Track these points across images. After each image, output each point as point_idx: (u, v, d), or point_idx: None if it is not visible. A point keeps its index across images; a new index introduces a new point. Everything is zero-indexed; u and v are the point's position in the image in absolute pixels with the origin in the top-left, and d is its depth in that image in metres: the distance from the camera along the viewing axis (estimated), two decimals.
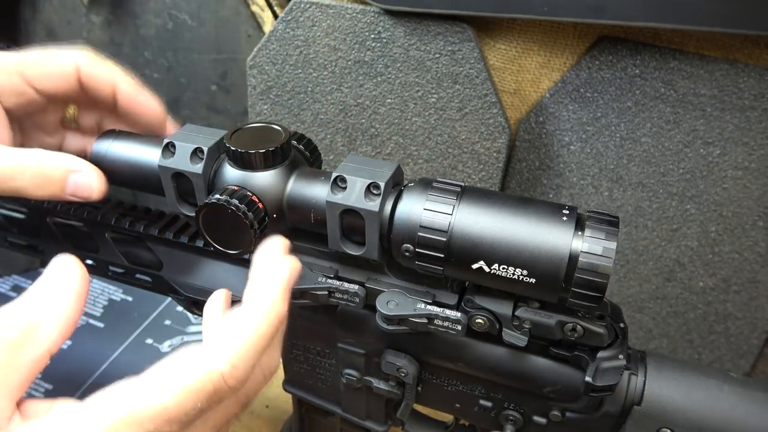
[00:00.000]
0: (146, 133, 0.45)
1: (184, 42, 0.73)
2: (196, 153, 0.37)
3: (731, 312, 0.60)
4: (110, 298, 0.82)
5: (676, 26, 0.46)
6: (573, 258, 0.30)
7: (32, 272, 0.86)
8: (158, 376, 0.28)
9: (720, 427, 0.34)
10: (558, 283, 0.31)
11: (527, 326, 0.34)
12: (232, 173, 0.36)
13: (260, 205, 0.35)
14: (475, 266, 0.32)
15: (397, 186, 0.35)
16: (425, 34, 0.55)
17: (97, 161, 0.41)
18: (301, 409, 0.52)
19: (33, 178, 0.37)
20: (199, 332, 0.77)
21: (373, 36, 0.56)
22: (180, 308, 0.79)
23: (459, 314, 0.34)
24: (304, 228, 0.37)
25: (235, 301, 0.44)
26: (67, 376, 0.69)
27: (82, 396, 0.70)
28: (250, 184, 0.36)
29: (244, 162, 0.36)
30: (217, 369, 0.28)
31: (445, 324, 0.35)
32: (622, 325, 0.36)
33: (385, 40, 0.56)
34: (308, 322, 0.42)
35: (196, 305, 0.46)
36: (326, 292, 0.37)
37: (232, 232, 0.35)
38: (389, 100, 0.59)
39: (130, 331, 0.77)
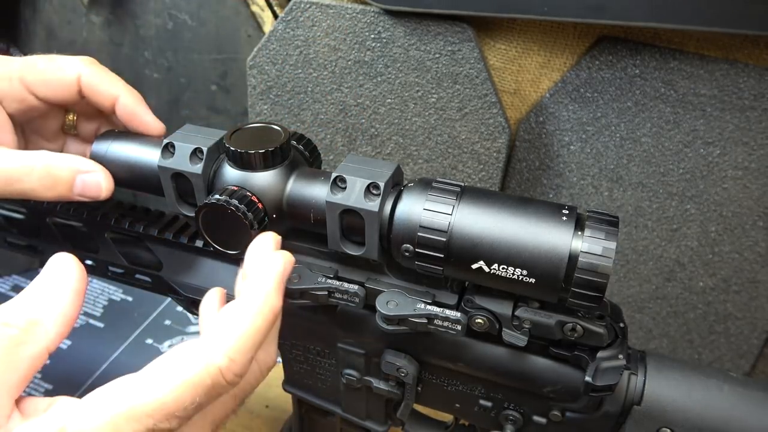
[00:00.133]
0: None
1: (184, 42, 0.73)
2: (196, 153, 0.37)
3: (731, 312, 0.60)
4: (110, 298, 0.82)
5: (676, 26, 0.46)
6: (573, 258, 0.30)
7: (32, 272, 0.86)
8: (156, 371, 0.28)
9: (720, 427, 0.34)
10: (558, 283, 0.31)
11: (527, 326, 0.34)
12: (231, 173, 0.36)
13: (260, 205, 0.35)
14: (474, 266, 0.32)
15: (396, 186, 0.35)
16: (425, 34, 0.55)
17: (97, 161, 0.41)
18: (301, 409, 0.52)
19: (41, 180, 0.37)
20: (198, 332, 0.77)
21: (373, 36, 0.56)
22: (180, 308, 0.80)
23: (459, 314, 0.34)
24: (303, 228, 0.37)
25: (230, 300, 0.44)
26: (67, 376, 0.69)
27: (82, 396, 0.70)
28: (250, 184, 0.36)
29: (243, 162, 0.35)
30: (214, 363, 0.28)
31: (445, 324, 0.35)
32: (622, 325, 0.36)
33: (385, 40, 0.56)
34: (308, 322, 0.42)
35: (195, 305, 0.46)
36: (326, 292, 0.37)
37: (232, 233, 0.35)
38: (389, 100, 0.59)
39: (130, 331, 0.77)
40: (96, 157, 0.41)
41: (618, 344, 0.35)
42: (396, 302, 0.36)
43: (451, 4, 0.51)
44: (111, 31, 0.77)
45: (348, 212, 0.34)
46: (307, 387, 0.48)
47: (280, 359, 0.37)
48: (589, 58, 0.53)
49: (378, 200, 0.33)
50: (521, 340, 0.34)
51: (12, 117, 0.41)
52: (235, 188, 0.35)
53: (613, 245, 0.30)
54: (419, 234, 0.32)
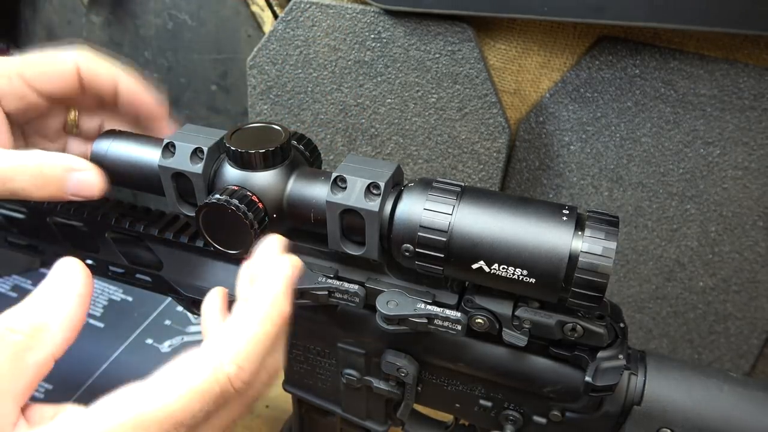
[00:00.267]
0: (147, 131, 0.45)
1: (184, 42, 0.73)
2: (196, 153, 0.37)
3: (731, 312, 0.60)
4: (110, 298, 0.82)
5: (676, 26, 0.46)
6: (573, 258, 0.30)
7: (32, 272, 0.86)
8: (164, 378, 0.28)
9: (720, 427, 0.34)
10: (558, 283, 0.31)
11: (527, 326, 0.34)
12: (232, 173, 0.36)
13: (260, 205, 0.35)
14: (475, 266, 0.32)
15: (397, 186, 0.35)
16: (425, 34, 0.55)
17: (97, 161, 0.41)
18: (301, 409, 0.52)
19: (33, 179, 0.37)
20: (200, 332, 0.77)
21: (373, 36, 0.56)
22: (180, 308, 0.80)
23: (459, 314, 0.34)
24: (304, 228, 0.37)
25: (232, 300, 0.44)
26: (67, 376, 0.69)
27: (82, 396, 0.70)
28: (250, 184, 0.36)
29: (244, 162, 0.36)
30: (223, 370, 0.28)
31: (445, 324, 0.35)
32: (622, 325, 0.36)
33: (385, 40, 0.56)
34: (308, 322, 0.42)
35: (196, 305, 0.46)
36: (326, 292, 0.37)
37: (232, 232, 0.35)
38: (389, 100, 0.59)
39: (130, 331, 0.77)
40: (96, 157, 0.41)
41: (618, 344, 0.35)
42: (396, 302, 0.36)
43: (451, 4, 0.51)
44: (111, 31, 0.77)
45: (348, 212, 0.34)
46: (307, 387, 0.48)
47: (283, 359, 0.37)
48: (589, 58, 0.53)
49: (378, 200, 0.33)
50: (521, 340, 0.34)
51: (11, 116, 0.41)
52: (236, 188, 0.35)
53: (613, 245, 0.30)
54: (419, 234, 0.32)
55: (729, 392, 0.35)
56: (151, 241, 0.46)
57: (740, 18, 0.45)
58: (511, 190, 0.62)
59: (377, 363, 0.42)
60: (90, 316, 0.78)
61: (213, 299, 0.36)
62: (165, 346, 0.75)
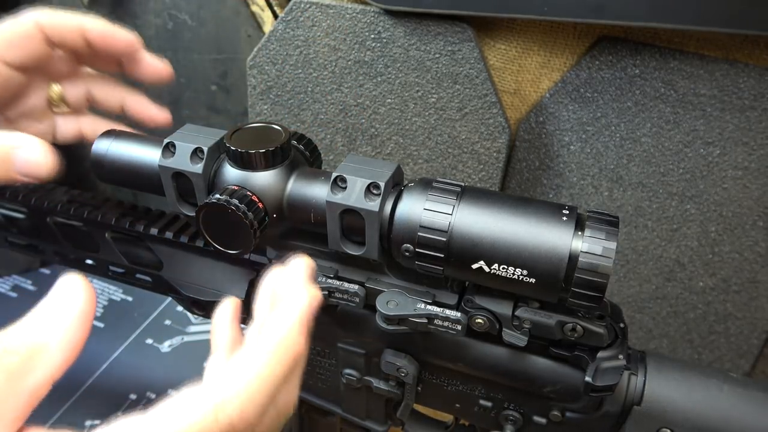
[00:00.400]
0: (132, 69, 0.44)
1: (184, 42, 0.73)
2: (196, 153, 0.37)
3: (731, 312, 0.60)
4: (110, 298, 0.82)
5: (676, 26, 0.46)
6: (573, 258, 0.30)
7: (32, 272, 0.86)
8: (163, 413, 0.26)
9: (720, 427, 0.34)
10: (558, 283, 0.31)
11: (527, 326, 0.34)
12: (232, 173, 0.36)
13: (260, 205, 0.35)
14: (475, 266, 0.32)
15: (397, 186, 0.35)
16: (425, 34, 0.55)
17: (97, 161, 0.41)
18: (301, 409, 0.52)
19: None
20: (199, 332, 0.77)
21: (373, 36, 0.56)
22: (180, 308, 0.80)
23: (459, 314, 0.34)
24: (304, 228, 0.37)
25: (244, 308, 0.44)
26: (67, 376, 0.68)
27: (82, 396, 0.70)
28: (250, 184, 0.36)
29: (244, 162, 0.36)
30: (224, 410, 0.26)
31: (445, 324, 0.35)
32: (622, 325, 0.36)
33: (385, 40, 0.56)
34: None
35: (196, 305, 0.46)
36: (326, 292, 0.37)
37: (232, 232, 0.35)
38: (389, 100, 0.59)
39: (130, 331, 0.77)
40: (96, 157, 0.41)
41: (618, 344, 0.35)
42: (396, 302, 0.36)
43: (451, 4, 0.51)
44: None
45: (348, 212, 0.34)
46: (307, 387, 0.48)
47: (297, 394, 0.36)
48: (589, 58, 0.53)
49: (378, 200, 0.33)
50: (521, 340, 0.34)
51: None
52: (236, 188, 0.35)
53: (613, 245, 0.30)
54: (419, 234, 0.32)
55: (729, 392, 0.35)
56: (151, 241, 0.46)
57: (740, 18, 0.45)
58: (511, 190, 0.62)
59: (377, 363, 0.42)
60: None
61: (225, 311, 0.35)
62: (165, 346, 0.75)
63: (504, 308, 0.35)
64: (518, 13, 0.50)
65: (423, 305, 0.35)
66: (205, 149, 0.36)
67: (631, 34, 0.52)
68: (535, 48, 0.55)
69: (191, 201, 0.39)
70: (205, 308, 0.45)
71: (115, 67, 0.45)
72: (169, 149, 0.37)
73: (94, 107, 0.47)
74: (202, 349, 0.75)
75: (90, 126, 0.48)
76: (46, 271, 0.87)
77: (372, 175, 0.33)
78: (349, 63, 0.58)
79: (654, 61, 0.51)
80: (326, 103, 0.61)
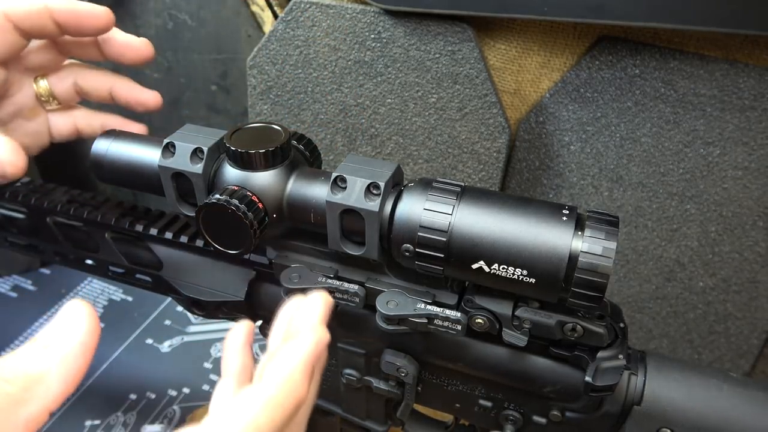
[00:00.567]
0: (107, 44, 0.43)
1: (184, 42, 0.73)
2: (196, 153, 0.37)
3: (731, 312, 0.60)
4: (110, 298, 0.83)
5: (676, 26, 0.46)
6: (573, 258, 0.30)
7: (32, 272, 0.86)
8: None
9: (720, 427, 0.34)
10: (558, 283, 0.31)
11: (527, 326, 0.34)
12: (232, 173, 0.36)
13: (260, 205, 0.35)
14: (475, 266, 0.32)
15: (397, 186, 0.35)
16: (425, 34, 0.55)
17: (97, 161, 0.41)
18: None
19: None
20: (199, 332, 0.77)
21: (373, 36, 0.56)
22: (180, 308, 0.80)
23: (459, 314, 0.34)
24: (304, 228, 0.37)
25: (230, 301, 0.44)
26: None
27: (82, 395, 0.70)
28: (250, 184, 0.36)
29: (244, 162, 0.36)
30: None
31: (445, 324, 0.35)
32: (622, 325, 0.36)
33: (385, 40, 0.56)
34: None
35: (196, 305, 0.46)
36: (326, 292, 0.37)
37: (232, 232, 0.35)
38: (389, 100, 0.59)
39: (130, 331, 0.77)
40: (96, 157, 0.41)
41: (618, 344, 0.35)
42: (396, 302, 0.36)
43: (451, 4, 0.51)
44: None
45: (348, 212, 0.34)
46: None
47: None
48: (589, 58, 0.53)
49: (378, 200, 0.33)
50: (521, 340, 0.34)
51: None
52: (236, 188, 0.35)
53: (613, 245, 0.30)
54: (419, 234, 0.32)
55: (729, 392, 0.35)
56: (151, 241, 0.46)
57: (740, 18, 0.45)
58: (511, 190, 0.62)
59: (377, 363, 0.42)
60: None
61: (237, 336, 0.34)
62: (165, 346, 0.75)
63: (504, 308, 0.35)
64: (518, 13, 0.50)
65: (423, 305, 0.35)
66: (205, 149, 0.36)
67: (631, 34, 0.52)
68: (535, 48, 0.55)
69: (191, 201, 0.39)
70: (205, 308, 0.45)
71: (95, 51, 0.44)
72: (168, 149, 0.37)
73: (84, 98, 0.47)
74: (202, 349, 0.75)
75: (84, 120, 0.48)
76: (46, 271, 0.87)
77: (372, 175, 0.33)
78: (349, 63, 0.58)
79: (654, 61, 0.51)
80: (326, 103, 0.61)
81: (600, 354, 0.34)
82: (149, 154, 0.39)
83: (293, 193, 0.36)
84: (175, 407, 0.68)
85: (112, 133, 0.42)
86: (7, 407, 0.25)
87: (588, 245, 0.30)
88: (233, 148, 0.35)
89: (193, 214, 0.38)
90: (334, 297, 0.37)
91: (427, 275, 0.35)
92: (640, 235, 0.59)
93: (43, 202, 0.48)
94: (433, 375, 0.41)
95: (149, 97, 0.47)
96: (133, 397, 0.67)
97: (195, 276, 0.45)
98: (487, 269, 0.32)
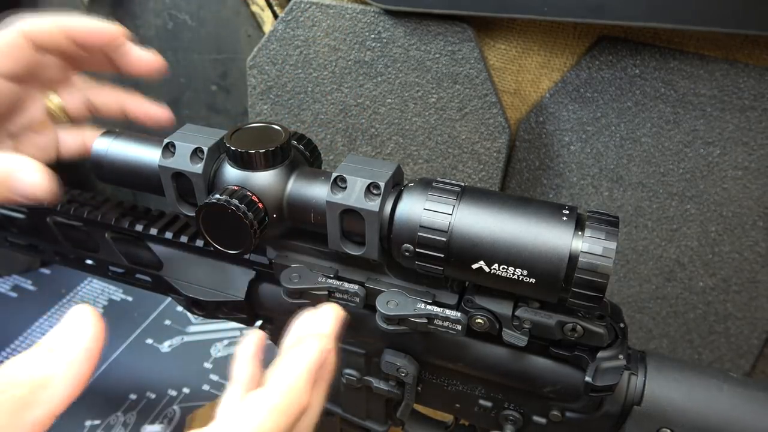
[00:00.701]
0: (120, 58, 0.44)
1: (184, 42, 0.73)
2: (196, 153, 0.37)
3: (731, 312, 0.60)
4: (110, 298, 0.83)
5: (676, 26, 0.46)
6: (573, 258, 0.30)
7: (32, 272, 0.86)
8: None
9: (720, 427, 0.34)
10: (558, 283, 0.31)
11: (527, 326, 0.34)
12: (232, 173, 0.36)
13: (260, 205, 0.35)
14: (475, 266, 0.32)
15: (397, 186, 0.35)
16: (425, 34, 0.55)
17: (97, 161, 0.41)
18: None
19: None
20: (199, 332, 0.77)
21: (373, 36, 0.56)
22: (180, 308, 0.80)
23: (459, 314, 0.34)
24: (304, 228, 0.37)
25: (230, 301, 0.44)
26: None
27: (82, 396, 0.70)
28: (250, 184, 0.36)
29: (244, 162, 0.36)
30: None
31: (445, 324, 0.35)
32: (622, 325, 0.36)
33: (385, 40, 0.56)
34: None
35: (195, 305, 0.46)
36: (326, 292, 0.37)
37: (232, 232, 0.35)
38: (389, 100, 0.59)
39: (130, 331, 0.77)
40: (96, 157, 0.41)
41: (618, 344, 0.35)
42: (396, 302, 0.36)
43: (451, 4, 0.51)
44: None
45: (348, 212, 0.34)
46: None
47: None
48: (589, 58, 0.53)
49: (378, 200, 0.33)
50: (521, 340, 0.34)
51: None
52: (236, 188, 0.35)
53: (613, 245, 0.30)
54: (419, 234, 0.32)
55: (729, 392, 0.35)
56: (151, 241, 0.46)
57: (740, 18, 0.45)
58: (511, 190, 0.62)
59: (377, 363, 0.42)
60: None
61: (248, 346, 0.35)
62: (165, 346, 0.75)
63: (504, 308, 0.35)
64: (518, 13, 0.50)
65: (423, 305, 0.35)
66: (205, 149, 0.36)
67: (631, 34, 0.52)
68: (535, 48, 0.55)
69: (191, 201, 0.39)
70: (204, 308, 0.45)
71: (108, 65, 0.45)
72: (168, 149, 0.37)
73: (95, 115, 0.48)
74: (202, 349, 0.75)
75: (93, 139, 0.48)
76: (46, 271, 0.87)
77: (372, 175, 0.33)
78: (349, 63, 0.58)
79: (654, 61, 0.51)
80: (326, 103, 0.61)
81: (600, 354, 0.34)
82: (149, 154, 0.39)
83: (293, 193, 0.36)
84: (175, 407, 0.68)
85: (111, 133, 0.42)
86: (13, 411, 0.25)
87: (588, 245, 0.30)
88: (233, 148, 0.35)
89: (193, 214, 0.38)
90: (334, 297, 0.37)
91: (427, 275, 0.35)
92: (640, 235, 0.59)
93: (43, 202, 0.48)
94: (433, 375, 0.41)
95: (161, 114, 0.48)
96: (133, 397, 0.67)
97: (195, 276, 0.45)
98: (487, 269, 0.32)
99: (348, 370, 0.43)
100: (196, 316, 0.69)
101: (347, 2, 0.56)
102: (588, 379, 0.33)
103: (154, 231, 0.45)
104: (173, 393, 0.69)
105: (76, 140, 0.46)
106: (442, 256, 0.32)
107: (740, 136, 0.52)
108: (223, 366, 0.74)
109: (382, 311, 0.35)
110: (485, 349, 0.38)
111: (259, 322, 0.46)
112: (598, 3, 0.47)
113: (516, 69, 0.57)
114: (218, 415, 0.29)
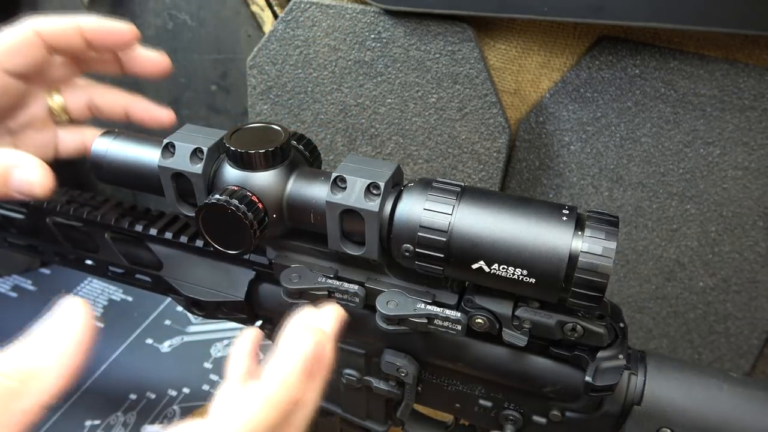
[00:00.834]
0: (131, 60, 0.44)
1: (184, 42, 0.73)
2: (196, 153, 0.37)
3: (731, 312, 0.60)
4: (110, 298, 0.82)
5: (676, 26, 0.46)
6: (573, 258, 0.30)
7: (32, 272, 0.86)
8: None
9: (720, 427, 0.34)
10: (558, 283, 0.31)
11: (527, 326, 0.34)
12: (231, 173, 0.36)
13: (260, 205, 0.35)
14: (475, 266, 0.32)
15: (397, 186, 0.35)
16: (425, 34, 0.55)
17: (97, 161, 0.41)
18: None
19: None
20: (199, 332, 0.77)
21: (373, 36, 0.56)
22: (180, 308, 0.79)
23: (459, 314, 0.34)
24: (303, 228, 0.37)
25: (230, 301, 0.44)
26: None
27: (82, 395, 0.70)
28: (250, 184, 0.36)
29: (244, 162, 0.36)
30: None
31: (445, 324, 0.35)
32: (622, 325, 0.36)
33: (385, 40, 0.56)
34: None
35: (195, 305, 0.46)
36: (326, 292, 0.37)
37: (232, 232, 0.35)
38: (389, 100, 0.59)
39: (130, 331, 0.77)
40: (96, 157, 0.41)
41: (618, 344, 0.35)
42: (396, 302, 0.36)
43: (451, 4, 0.51)
44: None
45: (348, 212, 0.34)
46: None
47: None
48: (589, 58, 0.53)
49: (378, 200, 0.33)
50: (521, 340, 0.34)
51: None
52: (236, 188, 0.35)
53: (613, 245, 0.30)
54: (419, 234, 0.32)
55: (729, 392, 0.35)
56: (151, 241, 0.46)
57: (740, 18, 0.45)
58: (511, 190, 0.62)
59: (377, 363, 0.42)
60: None
61: (245, 342, 0.35)
62: (165, 346, 0.75)
63: (504, 308, 0.35)
64: (518, 13, 0.50)
65: (423, 305, 0.35)
66: (205, 149, 0.36)
67: (631, 34, 0.52)
68: (535, 48, 0.55)
69: (191, 201, 0.39)
70: (204, 308, 0.45)
71: (115, 66, 0.45)
72: (168, 149, 0.37)
73: (97, 116, 0.48)
74: (202, 349, 0.75)
75: (93, 139, 0.48)
76: (46, 271, 0.87)
77: (372, 175, 0.33)
78: (349, 63, 0.58)
79: (654, 61, 0.51)
80: (326, 103, 0.61)
81: (600, 354, 0.34)
82: (149, 155, 0.39)
83: (293, 194, 0.36)
84: (175, 407, 0.68)
85: (111, 133, 0.42)
86: (6, 400, 0.25)
87: (588, 245, 0.30)
88: (233, 148, 0.35)
89: (193, 215, 0.38)
90: (334, 297, 0.37)
91: (427, 275, 0.35)
92: (640, 235, 0.59)
93: (43, 202, 0.48)
94: (433, 375, 0.41)
95: (164, 115, 0.48)
96: (133, 397, 0.67)
97: (195, 276, 0.45)
98: (487, 269, 0.32)
99: (348, 370, 0.43)
100: (196, 316, 0.69)
101: (347, 2, 0.56)
102: (588, 378, 0.33)
103: (153, 231, 0.45)
104: (173, 393, 0.69)
105: (76, 140, 0.46)
106: (442, 256, 0.32)
107: (740, 136, 0.52)
108: (223, 366, 0.74)
109: (382, 311, 0.35)
110: (485, 349, 0.38)
111: (258, 322, 0.46)
112: (599, 3, 0.47)
113: (516, 69, 0.57)
114: (212, 408, 0.30)
